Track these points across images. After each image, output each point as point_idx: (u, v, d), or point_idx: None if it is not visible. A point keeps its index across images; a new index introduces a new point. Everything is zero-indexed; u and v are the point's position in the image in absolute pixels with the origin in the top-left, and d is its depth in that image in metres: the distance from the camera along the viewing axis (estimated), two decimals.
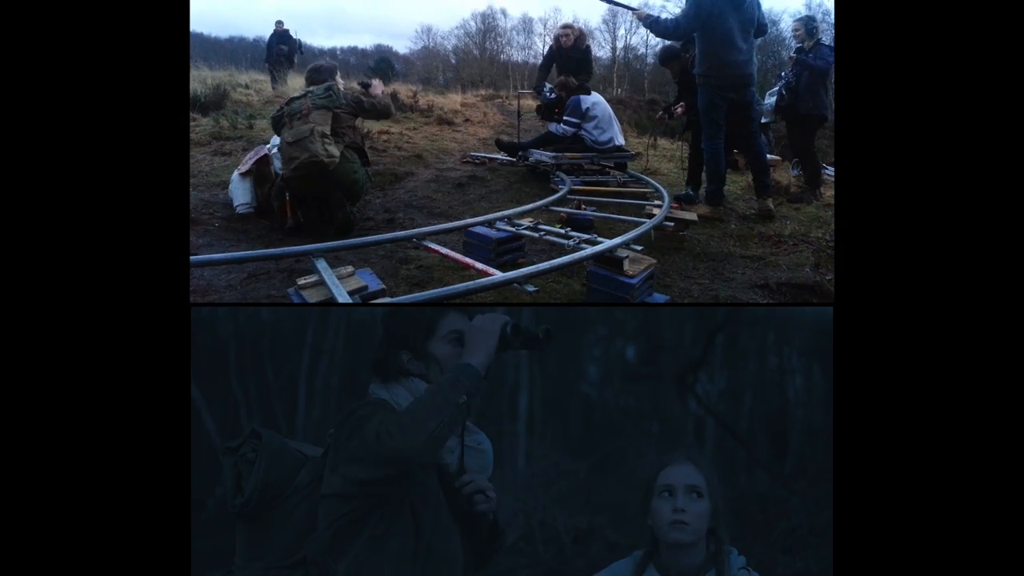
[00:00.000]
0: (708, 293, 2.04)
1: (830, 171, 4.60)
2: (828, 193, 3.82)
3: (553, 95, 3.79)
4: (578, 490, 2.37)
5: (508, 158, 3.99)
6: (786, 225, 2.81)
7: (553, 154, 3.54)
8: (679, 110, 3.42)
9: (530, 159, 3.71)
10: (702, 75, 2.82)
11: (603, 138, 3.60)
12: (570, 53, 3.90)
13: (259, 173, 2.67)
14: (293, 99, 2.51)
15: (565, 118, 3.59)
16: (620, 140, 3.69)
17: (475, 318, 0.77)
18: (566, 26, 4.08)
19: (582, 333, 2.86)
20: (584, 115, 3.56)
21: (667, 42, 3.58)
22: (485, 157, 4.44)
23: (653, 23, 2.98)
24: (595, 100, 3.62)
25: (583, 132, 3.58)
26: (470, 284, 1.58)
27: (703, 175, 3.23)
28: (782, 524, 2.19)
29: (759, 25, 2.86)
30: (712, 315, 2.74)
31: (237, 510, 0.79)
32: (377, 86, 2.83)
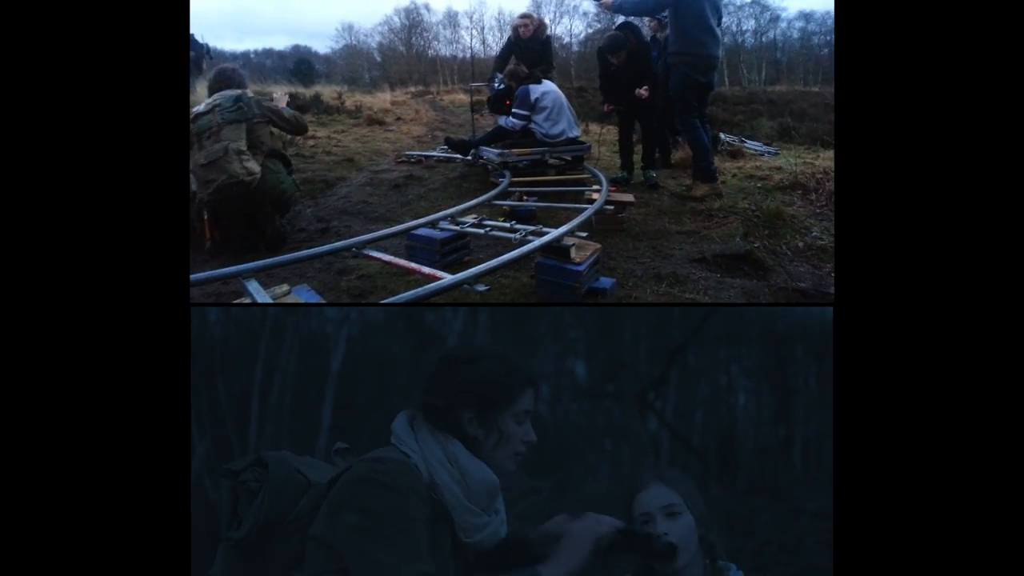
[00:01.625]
0: (650, 272, 2.10)
1: (750, 144, 4.91)
2: (750, 164, 4.07)
3: (502, 86, 3.53)
4: (542, 509, 2.39)
5: (461, 157, 3.78)
6: (715, 199, 2.95)
7: (499, 151, 3.29)
8: (644, 92, 3.09)
9: (482, 157, 3.49)
10: (676, 54, 2.85)
11: (554, 131, 3.33)
12: (529, 44, 3.72)
13: None
14: (199, 115, 2.27)
15: (513, 110, 3.33)
16: (574, 132, 3.41)
17: (576, 521, 0.68)
18: (525, 16, 3.88)
19: (535, 350, 2.84)
20: (533, 106, 3.30)
21: (614, 29, 3.36)
22: (421, 155, 4.33)
23: (620, 6, 3.02)
24: (545, 89, 3.34)
25: (533, 125, 3.33)
26: (419, 291, 1.53)
27: (652, 155, 3.30)
28: (750, 541, 2.22)
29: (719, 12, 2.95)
30: (669, 330, 2.78)
31: (232, 544, 0.72)
32: (280, 99, 2.61)
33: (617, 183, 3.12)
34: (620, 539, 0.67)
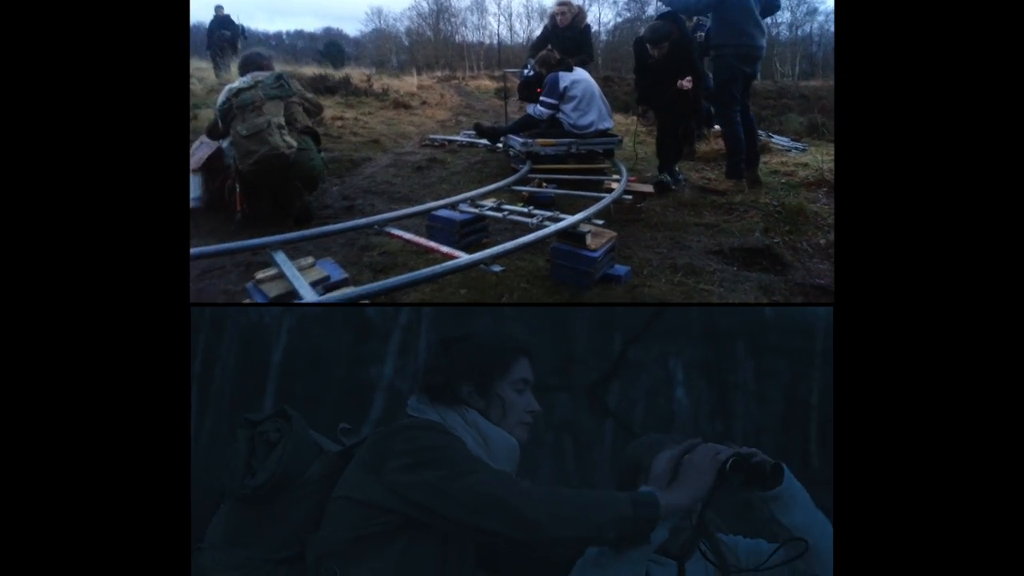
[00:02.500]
0: (666, 262, 2.12)
1: (777, 139, 4.80)
2: (776, 159, 3.99)
3: (532, 73, 3.37)
4: None
5: (486, 143, 3.72)
6: (735, 193, 2.93)
7: (523, 140, 3.15)
8: (687, 83, 2.81)
9: (510, 145, 3.35)
10: (719, 46, 2.86)
11: (583, 122, 3.13)
12: (567, 32, 3.56)
13: (210, 167, 2.56)
14: (242, 89, 2.39)
15: (541, 98, 3.17)
16: (605, 123, 3.20)
17: (696, 451, 0.69)
18: (563, 3, 3.63)
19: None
20: (562, 95, 3.11)
21: (656, 18, 3.19)
22: (444, 139, 4.38)
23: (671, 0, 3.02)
24: (576, 78, 3.15)
25: (561, 115, 3.15)
26: (436, 268, 1.58)
27: (677, 157, 3.09)
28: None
29: (768, 2, 2.95)
30: (614, 324, 2.65)
31: (249, 493, 0.72)
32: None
33: (658, 187, 2.88)
34: (739, 463, 0.67)
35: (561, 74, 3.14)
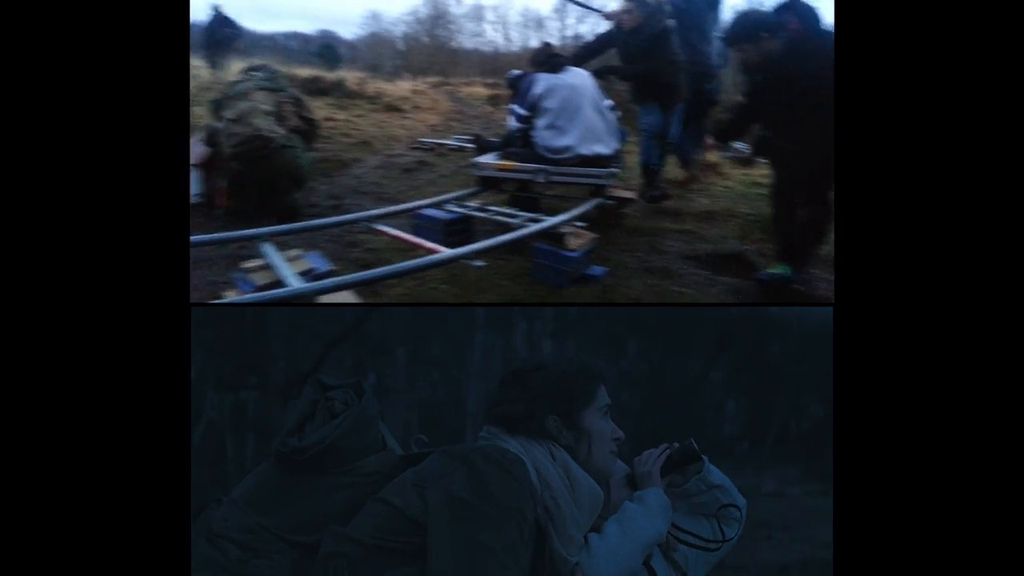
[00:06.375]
0: (643, 264, 2.20)
1: (742, 146, 4.91)
2: (758, 171, 4.12)
3: (520, 73, 2.52)
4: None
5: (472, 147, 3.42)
6: (717, 202, 3.04)
7: (480, 160, 2.40)
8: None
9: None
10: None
11: (556, 143, 2.21)
12: (632, 38, 2.61)
13: (208, 165, 2.59)
14: (235, 83, 2.53)
15: (509, 106, 2.39)
16: (595, 148, 2.23)
17: (641, 458, 0.72)
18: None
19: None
20: (535, 105, 2.24)
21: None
22: (434, 143, 4.45)
23: None
24: (556, 83, 2.22)
25: (534, 132, 2.27)
26: (419, 261, 1.64)
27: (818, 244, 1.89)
28: None
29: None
30: (319, 326, 2.43)
31: (287, 453, 0.66)
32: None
33: (775, 282, 1.91)
34: (672, 457, 0.73)
35: (539, 76, 2.25)
